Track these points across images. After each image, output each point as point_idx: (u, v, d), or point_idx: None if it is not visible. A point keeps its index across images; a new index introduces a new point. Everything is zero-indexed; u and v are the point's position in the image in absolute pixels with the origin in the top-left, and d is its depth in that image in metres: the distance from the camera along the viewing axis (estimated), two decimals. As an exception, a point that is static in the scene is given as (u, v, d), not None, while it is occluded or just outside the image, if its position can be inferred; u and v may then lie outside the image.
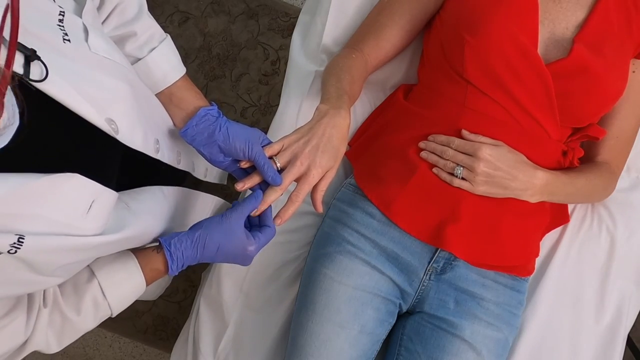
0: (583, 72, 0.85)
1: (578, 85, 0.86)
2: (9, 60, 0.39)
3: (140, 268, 0.70)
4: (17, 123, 0.46)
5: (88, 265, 0.68)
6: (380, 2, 1.01)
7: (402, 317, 0.97)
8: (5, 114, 0.42)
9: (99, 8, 0.69)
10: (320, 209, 0.77)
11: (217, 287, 1.03)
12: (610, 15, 0.87)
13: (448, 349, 0.90)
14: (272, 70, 1.78)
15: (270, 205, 0.74)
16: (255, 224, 0.76)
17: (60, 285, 0.65)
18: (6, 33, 0.40)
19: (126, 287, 0.69)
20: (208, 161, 0.75)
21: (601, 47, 0.85)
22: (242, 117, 1.76)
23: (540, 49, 0.87)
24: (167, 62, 0.76)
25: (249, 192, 0.76)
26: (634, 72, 0.91)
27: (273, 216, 0.75)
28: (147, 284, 0.71)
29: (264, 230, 0.74)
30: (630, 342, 1.26)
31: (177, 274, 0.71)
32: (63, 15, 0.56)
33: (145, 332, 1.70)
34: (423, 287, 0.93)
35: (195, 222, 0.72)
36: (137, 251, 0.71)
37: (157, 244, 0.71)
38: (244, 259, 0.73)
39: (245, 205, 0.71)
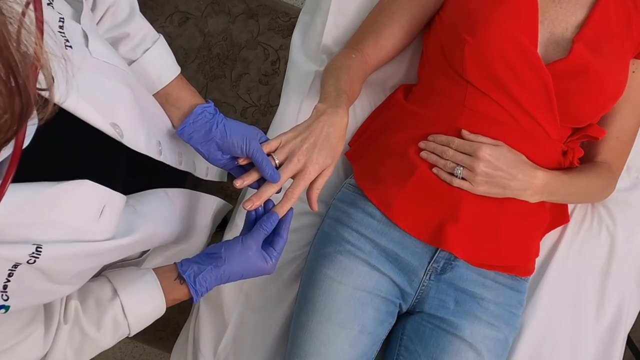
0: (583, 72, 0.85)
1: (578, 85, 0.86)
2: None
3: (162, 292, 0.70)
4: (36, 121, 0.46)
5: (111, 283, 0.69)
6: (380, 2, 1.01)
7: (402, 317, 0.97)
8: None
9: (92, 10, 0.69)
10: (316, 207, 0.77)
11: (217, 287, 1.03)
12: (610, 15, 0.87)
13: (448, 349, 0.90)
14: (272, 70, 1.78)
15: (289, 215, 0.75)
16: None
17: (82, 302, 0.66)
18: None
19: (147, 309, 0.70)
20: (206, 159, 0.75)
21: (601, 47, 0.85)
22: (242, 117, 1.76)
23: (540, 49, 0.87)
24: (161, 63, 0.76)
25: (248, 188, 0.76)
26: (633, 72, 0.91)
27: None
28: (167, 307, 0.72)
29: (276, 243, 0.74)
30: (630, 342, 1.26)
31: None
32: (63, 22, 0.56)
33: (145, 332, 1.69)
34: (423, 287, 0.93)
35: (199, 222, 0.72)
36: (160, 275, 0.71)
37: (179, 274, 0.71)
38: (263, 275, 0.74)
39: (262, 232, 0.72)
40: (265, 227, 0.72)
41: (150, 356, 1.71)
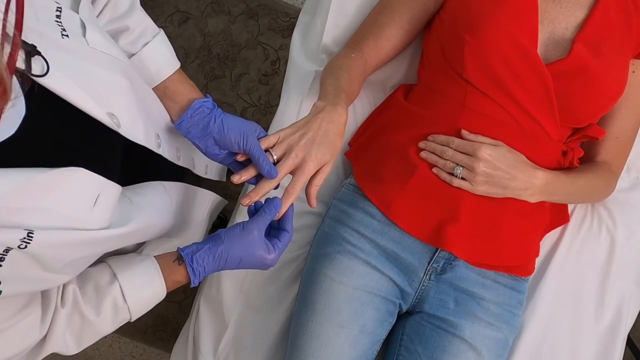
0: (583, 72, 0.85)
1: (578, 85, 0.86)
2: (15, 48, 0.39)
3: (161, 275, 0.70)
4: (23, 111, 0.46)
5: (110, 268, 0.68)
6: (380, 1, 1.01)
7: (402, 317, 0.97)
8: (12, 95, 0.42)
9: (92, 3, 0.69)
10: (314, 204, 0.77)
11: (217, 287, 1.03)
12: (610, 15, 0.87)
13: (448, 349, 0.90)
14: (272, 70, 1.78)
15: (291, 210, 0.74)
16: (274, 227, 0.76)
17: (81, 287, 0.66)
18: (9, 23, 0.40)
19: (147, 292, 0.69)
20: (204, 154, 0.75)
21: (601, 47, 0.85)
22: (242, 117, 1.76)
23: (540, 49, 0.87)
24: (160, 57, 0.76)
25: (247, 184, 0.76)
26: (633, 72, 0.91)
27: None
28: (167, 291, 0.71)
29: (282, 236, 0.73)
30: (630, 342, 1.27)
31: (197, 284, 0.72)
32: (60, 11, 0.56)
33: (145, 332, 1.70)
34: (423, 287, 0.93)
35: (196, 216, 0.72)
36: (160, 260, 0.71)
37: (178, 255, 0.71)
38: (264, 267, 0.73)
39: (266, 216, 0.71)
40: (268, 210, 0.71)
41: (150, 356, 1.71)
